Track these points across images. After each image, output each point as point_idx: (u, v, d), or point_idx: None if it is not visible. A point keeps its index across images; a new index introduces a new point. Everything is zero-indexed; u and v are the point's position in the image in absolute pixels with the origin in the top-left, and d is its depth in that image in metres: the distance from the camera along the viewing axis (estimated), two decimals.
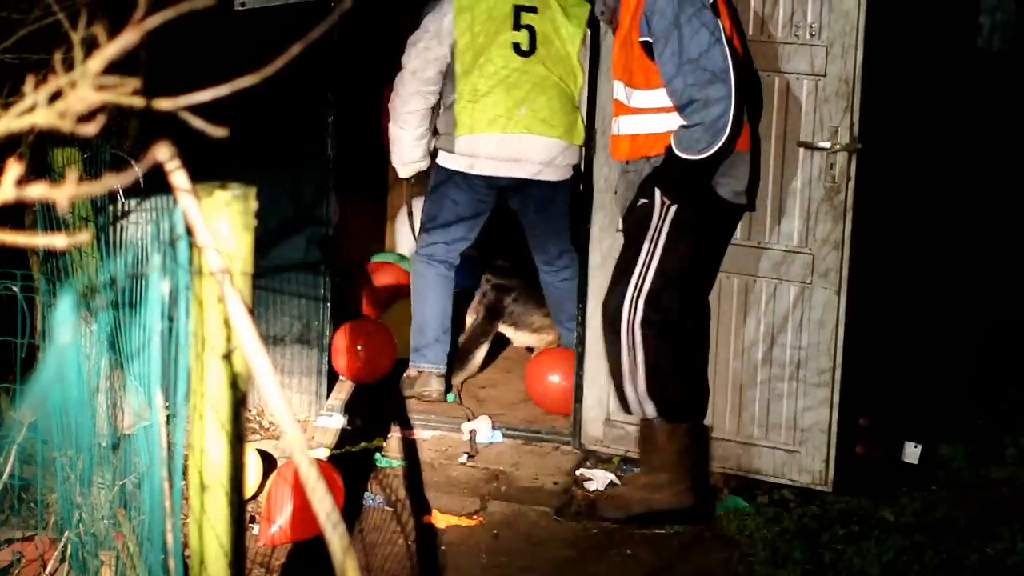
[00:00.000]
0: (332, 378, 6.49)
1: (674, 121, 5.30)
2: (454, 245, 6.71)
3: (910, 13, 6.35)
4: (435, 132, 6.65)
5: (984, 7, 7.68)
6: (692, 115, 5.22)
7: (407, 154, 6.69)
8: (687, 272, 5.46)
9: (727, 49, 5.22)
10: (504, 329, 7.21)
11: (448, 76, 6.53)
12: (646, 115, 5.40)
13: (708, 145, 5.22)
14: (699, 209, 5.40)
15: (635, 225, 5.46)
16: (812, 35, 5.50)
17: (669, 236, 5.38)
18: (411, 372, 6.74)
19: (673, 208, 5.36)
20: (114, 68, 1.93)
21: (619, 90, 5.51)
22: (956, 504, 5.77)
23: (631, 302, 5.41)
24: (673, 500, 5.50)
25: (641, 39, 5.33)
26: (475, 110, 6.44)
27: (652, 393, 5.43)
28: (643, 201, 5.41)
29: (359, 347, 6.58)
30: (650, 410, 5.46)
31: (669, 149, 5.29)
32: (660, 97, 5.35)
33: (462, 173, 6.54)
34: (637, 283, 5.40)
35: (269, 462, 5.66)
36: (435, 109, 6.62)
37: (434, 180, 6.69)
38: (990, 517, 5.65)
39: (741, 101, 5.25)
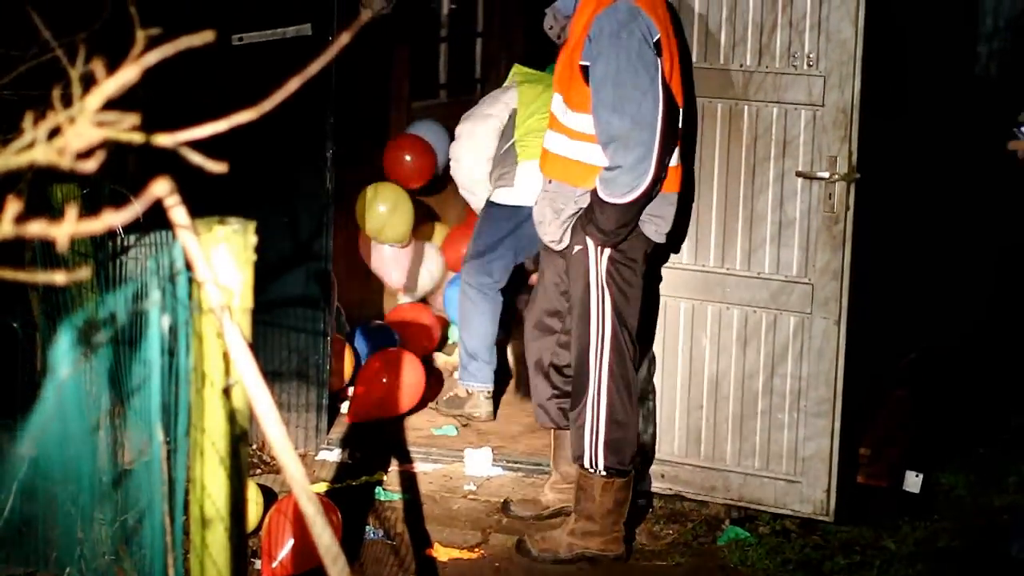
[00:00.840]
0: (332, 412, 6.48)
1: (599, 154, 5.24)
2: (506, 269, 6.89)
3: (908, 42, 6.36)
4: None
5: (981, 35, 7.71)
6: (613, 155, 5.17)
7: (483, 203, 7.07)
8: (636, 312, 5.44)
9: (660, 92, 5.15)
10: None
11: (505, 129, 6.90)
12: (575, 140, 5.31)
13: (631, 189, 5.17)
14: (630, 248, 5.36)
15: (577, 272, 5.41)
16: (810, 65, 5.51)
17: (610, 279, 5.35)
18: (459, 392, 6.88)
19: (607, 251, 5.35)
20: (113, 104, 1.93)
21: (557, 103, 5.42)
22: (958, 533, 5.76)
23: (596, 355, 5.39)
24: (602, 548, 5.50)
25: (581, 62, 5.25)
26: (535, 144, 6.62)
27: (608, 445, 5.41)
28: (578, 248, 5.39)
29: (385, 379, 6.63)
30: (601, 463, 5.43)
31: (595, 192, 5.25)
32: (591, 124, 5.26)
33: (521, 207, 6.69)
34: (598, 334, 5.38)
35: (271, 497, 5.64)
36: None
37: (488, 213, 6.90)
38: (992, 546, 5.64)
39: (666, 146, 5.20)
